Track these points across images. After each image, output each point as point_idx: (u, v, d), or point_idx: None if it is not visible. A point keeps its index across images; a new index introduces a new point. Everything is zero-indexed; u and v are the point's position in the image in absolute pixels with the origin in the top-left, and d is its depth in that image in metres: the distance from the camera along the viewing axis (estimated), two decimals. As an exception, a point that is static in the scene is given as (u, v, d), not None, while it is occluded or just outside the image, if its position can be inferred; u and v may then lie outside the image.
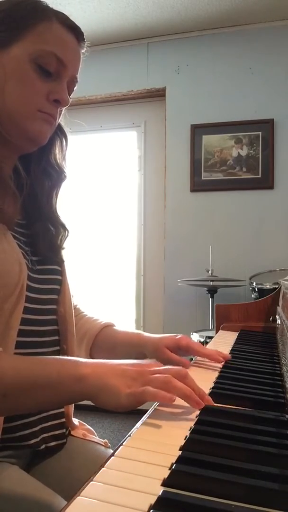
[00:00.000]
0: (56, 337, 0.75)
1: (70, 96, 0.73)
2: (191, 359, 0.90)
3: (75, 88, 0.73)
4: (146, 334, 0.85)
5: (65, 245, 0.81)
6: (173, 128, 2.83)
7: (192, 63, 2.82)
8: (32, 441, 0.68)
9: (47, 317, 0.73)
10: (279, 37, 2.67)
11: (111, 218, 3.07)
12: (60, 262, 0.80)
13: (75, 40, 0.69)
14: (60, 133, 0.79)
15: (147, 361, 0.59)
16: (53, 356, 0.64)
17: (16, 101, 0.66)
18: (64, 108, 0.72)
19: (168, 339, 0.82)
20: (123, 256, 3.04)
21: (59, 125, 0.78)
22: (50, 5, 0.70)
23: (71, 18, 0.70)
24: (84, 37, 0.72)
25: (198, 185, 2.76)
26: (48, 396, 0.55)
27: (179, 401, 0.56)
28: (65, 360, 0.59)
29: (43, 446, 0.70)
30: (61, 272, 0.79)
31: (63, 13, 0.69)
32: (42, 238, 0.75)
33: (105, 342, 0.87)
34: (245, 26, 2.72)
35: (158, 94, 2.93)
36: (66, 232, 0.81)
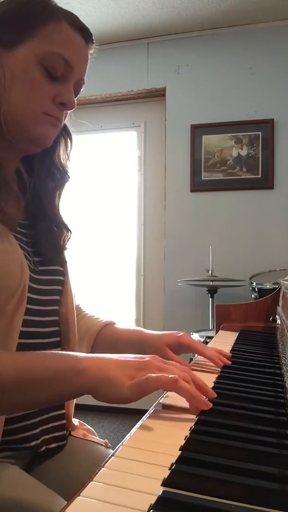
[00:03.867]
0: (58, 338, 0.75)
1: (76, 98, 0.71)
2: (191, 359, 0.90)
3: (81, 90, 0.72)
4: (147, 330, 0.85)
5: (67, 246, 0.81)
6: (173, 128, 2.83)
7: (192, 63, 2.82)
8: (33, 443, 0.68)
9: (49, 318, 0.73)
10: (279, 37, 2.67)
11: (111, 218, 3.07)
12: (62, 262, 0.79)
13: (83, 41, 0.68)
14: (65, 133, 0.78)
15: (150, 356, 0.59)
16: (52, 351, 0.62)
17: (21, 104, 0.64)
18: (70, 111, 0.71)
19: (170, 336, 0.81)
20: (123, 256, 3.04)
21: (64, 125, 0.77)
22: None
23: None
24: (93, 38, 0.70)
25: (198, 185, 2.76)
26: (48, 392, 0.54)
27: (178, 401, 0.56)
28: (65, 354, 0.58)
29: (43, 448, 0.70)
30: (64, 273, 0.78)
31: (72, 13, 0.68)
32: (45, 239, 0.75)
33: (106, 340, 0.86)
34: (245, 26, 2.72)
35: (158, 94, 2.93)
36: (69, 233, 0.81)
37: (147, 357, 0.57)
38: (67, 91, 0.67)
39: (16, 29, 0.64)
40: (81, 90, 0.72)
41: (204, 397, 0.54)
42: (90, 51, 0.71)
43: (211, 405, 0.54)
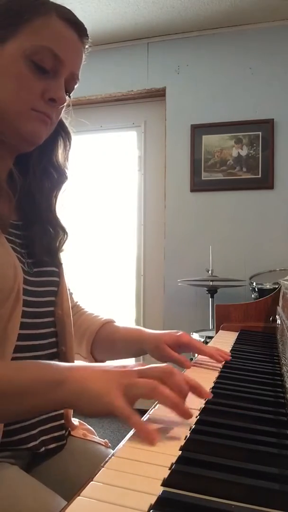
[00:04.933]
0: (54, 339, 0.74)
1: (71, 94, 0.70)
2: (191, 359, 0.90)
3: (76, 86, 0.70)
4: (147, 330, 0.84)
5: (64, 247, 0.79)
6: (173, 128, 2.83)
7: (192, 63, 2.82)
8: (31, 444, 0.68)
9: (44, 320, 0.72)
10: (279, 37, 2.67)
11: (111, 218, 3.07)
12: (58, 264, 0.78)
13: (75, 35, 0.66)
14: (63, 132, 0.77)
15: (132, 364, 0.56)
16: (32, 361, 0.59)
17: (9, 100, 0.63)
18: (63, 106, 0.69)
19: (169, 335, 0.81)
20: (123, 256, 3.04)
21: (63, 124, 0.76)
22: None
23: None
24: (87, 32, 0.68)
25: (198, 185, 2.76)
26: (24, 404, 0.52)
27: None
28: (45, 365, 0.55)
29: (42, 449, 0.70)
30: (59, 274, 0.77)
31: (64, 7, 0.66)
32: (39, 240, 0.73)
33: (105, 338, 0.86)
34: (245, 26, 2.72)
35: (158, 94, 2.93)
36: (66, 235, 0.79)
37: (128, 366, 0.55)
38: (57, 86, 0.65)
39: (5, 24, 0.63)
40: (76, 86, 0.70)
41: (186, 405, 0.51)
42: (85, 46, 0.69)
43: (192, 415, 0.51)
